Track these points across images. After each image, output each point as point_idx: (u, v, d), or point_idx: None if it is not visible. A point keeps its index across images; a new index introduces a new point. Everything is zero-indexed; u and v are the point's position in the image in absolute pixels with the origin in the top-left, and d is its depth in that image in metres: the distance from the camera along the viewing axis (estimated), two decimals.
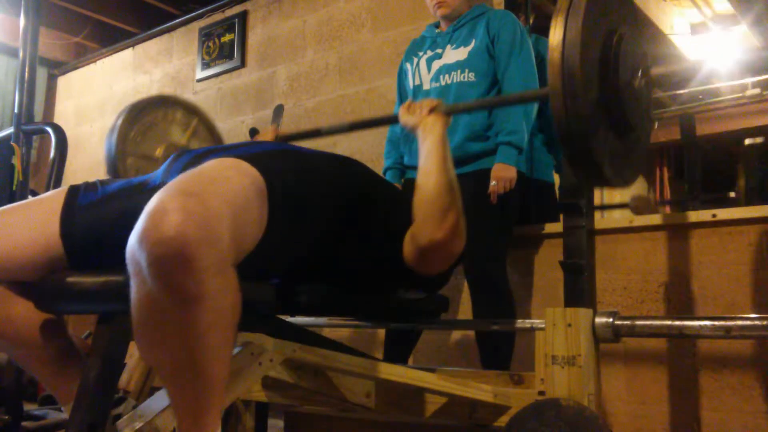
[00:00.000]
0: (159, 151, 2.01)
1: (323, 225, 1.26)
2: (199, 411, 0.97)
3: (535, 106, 2.24)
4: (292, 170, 1.23)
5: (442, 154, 1.41)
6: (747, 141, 4.39)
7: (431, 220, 1.33)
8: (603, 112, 1.26)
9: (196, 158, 1.24)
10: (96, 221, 1.21)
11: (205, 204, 0.89)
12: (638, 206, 3.60)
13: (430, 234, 1.32)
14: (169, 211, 0.85)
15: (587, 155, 1.22)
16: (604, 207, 4.73)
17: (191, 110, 2.15)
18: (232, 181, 1.02)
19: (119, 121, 1.91)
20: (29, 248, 1.18)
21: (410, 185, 2.32)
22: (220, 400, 0.99)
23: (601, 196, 4.90)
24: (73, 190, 1.27)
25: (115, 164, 1.87)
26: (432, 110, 1.51)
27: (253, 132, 2.21)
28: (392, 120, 1.67)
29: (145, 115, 2.00)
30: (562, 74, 1.18)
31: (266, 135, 1.97)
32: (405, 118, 1.55)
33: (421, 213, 1.35)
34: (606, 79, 1.26)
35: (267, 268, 1.20)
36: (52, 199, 1.24)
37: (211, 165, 1.07)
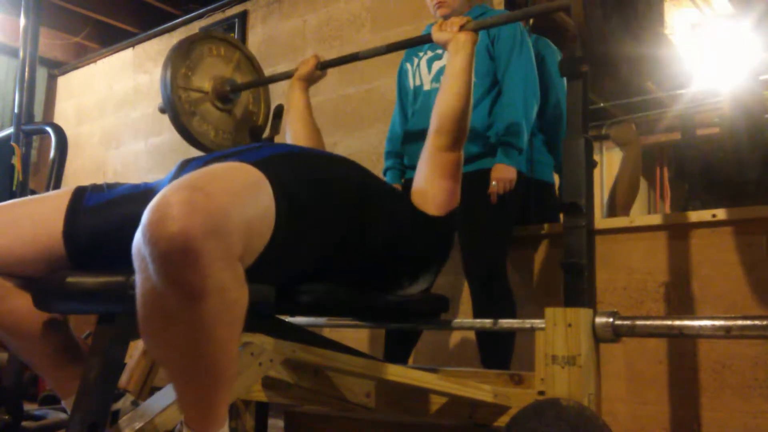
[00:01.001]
0: (208, 85, 2.19)
1: (329, 225, 1.26)
2: (207, 406, 0.96)
3: (536, 107, 2.24)
4: (296, 173, 1.22)
5: (470, 67, 1.60)
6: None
7: (457, 114, 1.55)
8: (619, 16, 1.38)
9: (207, 163, 1.23)
10: (100, 224, 1.21)
11: (209, 197, 0.88)
12: (620, 136, 3.49)
13: (455, 110, 1.54)
14: (173, 204, 0.84)
15: (606, 52, 1.35)
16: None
17: (233, 44, 2.31)
18: (236, 179, 1.02)
19: (171, 57, 2.04)
20: (31, 244, 1.18)
21: (410, 185, 2.34)
22: (228, 395, 0.98)
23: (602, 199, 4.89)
24: (80, 191, 1.27)
25: (171, 99, 2.03)
26: (462, 27, 1.66)
27: (279, 108, 2.26)
28: (426, 39, 1.84)
29: (192, 51, 2.17)
30: None
31: (308, 63, 2.07)
32: (437, 35, 1.71)
33: (444, 104, 1.56)
34: None
35: (279, 269, 1.19)
36: (58, 198, 1.24)
37: (215, 165, 1.07)
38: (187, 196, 0.85)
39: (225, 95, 2.23)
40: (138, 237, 0.86)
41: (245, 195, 1.00)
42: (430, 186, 1.53)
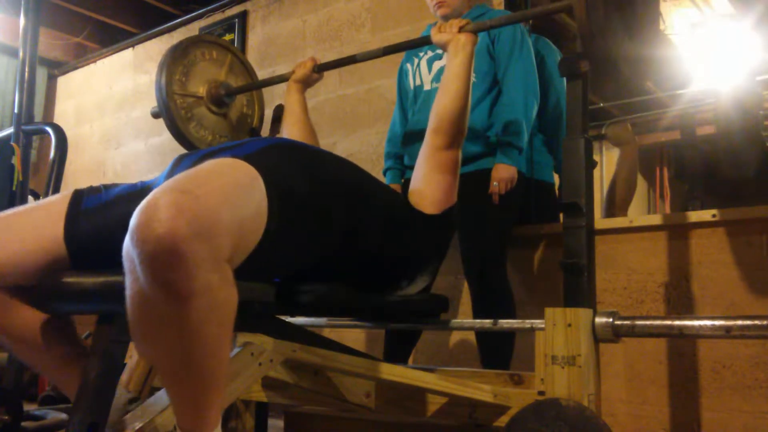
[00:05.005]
0: (202, 90, 2.18)
1: (325, 222, 1.26)
2: (198, 408, 0.97)
3: (536, 106, 2.24)
4: (293, 167, 1.23)
5: (469, 68, 1.63)
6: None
7: (455, 114, 1.58)
8: (619, 16, 1.41)
9: (201, 159, 1.24)
10: (100, 225, 1.22)
11: (197, 200, 0.89)
12: (616, 136, 3.50)
13: (453, 110, 1.58)
14: (160, 207, 0.85)
15: (607, 51, 1.36)
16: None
17: (224, 47, 2.31)
18: (227, 178, 1.02)
19: (166, 62, 2.03)
20: (34, 253, 1.18)
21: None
22: (220, 398, 0.98)
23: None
24: (78, 194, 1.27)
25: (167, 104, 2.01)
26: (461, 28, 1.68)
27: (279, 109, 2.26)
28: (425, 41, 1.85)
29: (185, 55, 2.15)
30: None
31: (305, 65, 2.08)
32: (437, 36, 1.72)
33: (443, 104, 1.59)
34: None
35: (273, 267, 1.19)
36: (57, 203, 1.25)
37: (206, 164, 1.07)
38: (174, 199, 0.86)
39: (220, 99, 2.22)
40: (127, 239, 0.87)
41: (235, 194, 1.00)
42: (428, 184, 1.56)
